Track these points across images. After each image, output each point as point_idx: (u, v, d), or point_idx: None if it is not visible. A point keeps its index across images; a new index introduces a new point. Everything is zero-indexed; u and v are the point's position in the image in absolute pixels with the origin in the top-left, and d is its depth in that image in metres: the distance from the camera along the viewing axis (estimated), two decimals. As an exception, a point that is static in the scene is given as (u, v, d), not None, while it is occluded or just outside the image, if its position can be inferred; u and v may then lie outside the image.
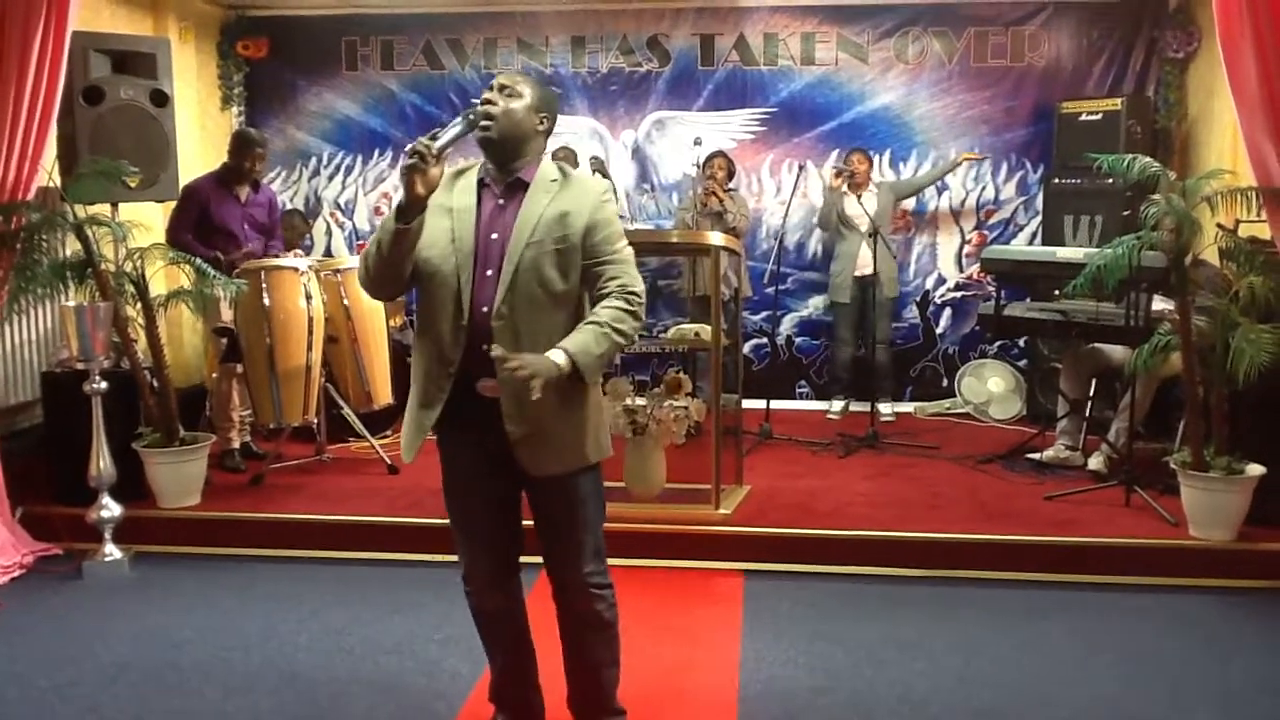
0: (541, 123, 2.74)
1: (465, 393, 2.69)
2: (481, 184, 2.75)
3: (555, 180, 2.73)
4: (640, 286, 2.70)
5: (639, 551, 4.45)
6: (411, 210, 2.56)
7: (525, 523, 2.90)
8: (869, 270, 6.59)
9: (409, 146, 2.55)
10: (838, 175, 6.72)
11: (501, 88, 2.70)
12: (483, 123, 2.65)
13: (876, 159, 7.10)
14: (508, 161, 2.72)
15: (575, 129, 7.34)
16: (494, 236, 2.68)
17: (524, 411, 2.62)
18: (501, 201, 2.71)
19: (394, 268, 2.65)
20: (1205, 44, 6.50)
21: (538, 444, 2.69)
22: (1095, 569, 4.44)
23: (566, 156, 6.71)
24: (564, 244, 2.65)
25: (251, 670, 3.62)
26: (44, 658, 3.74)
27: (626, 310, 2.64)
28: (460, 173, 2.79)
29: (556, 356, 2.53)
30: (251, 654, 3.74)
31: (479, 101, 2.70)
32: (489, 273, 2.65)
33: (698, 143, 6.64)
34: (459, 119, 2.68)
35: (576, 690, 3.02)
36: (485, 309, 2.64)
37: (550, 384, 2.51)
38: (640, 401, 4.89)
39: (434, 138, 2.57)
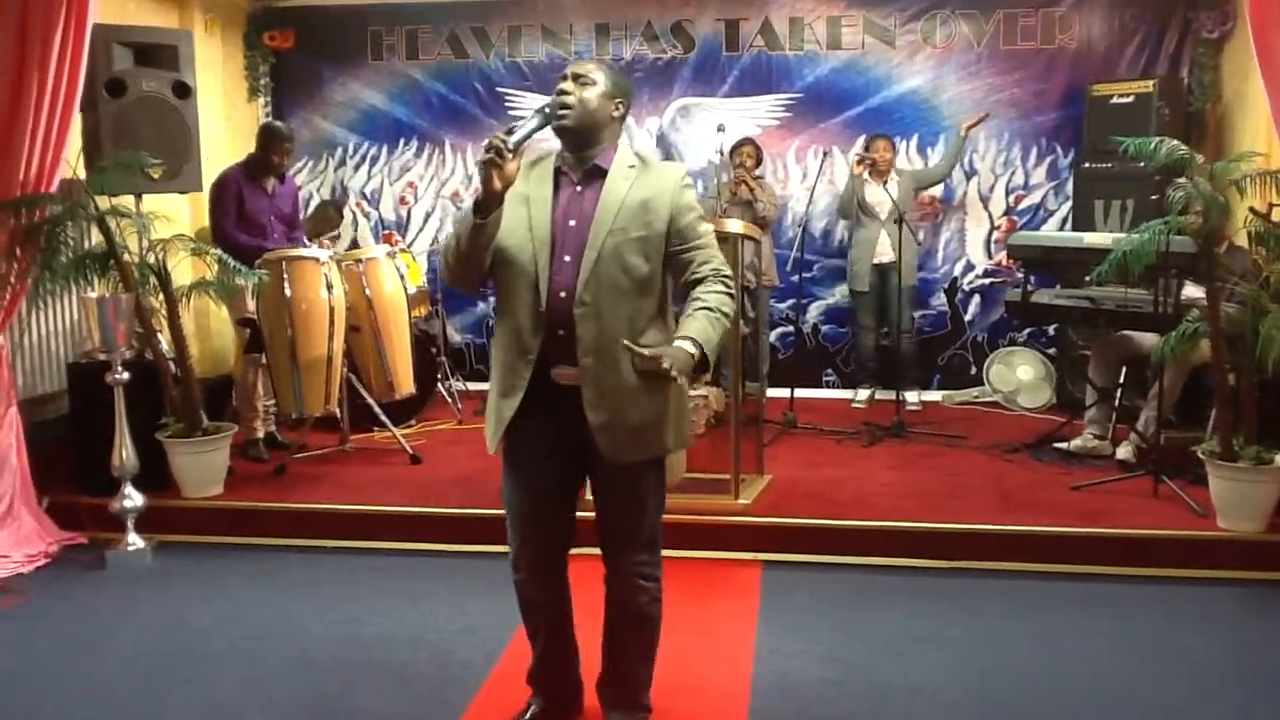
0: (617, 108, 2.76)
1: (539, 379, 2.71)
2: (559, 172, 2.77)
3: (633, 166, 2.75)
4: (729, 269, 2.75)
5: None
6: (489, 204, 2.59)
7: (581, 514, 2.94)
8: (888, 258, 6.56)
9: (485, 142, 2.56)
10: (860, 162, 6.66)
11: (576, 77, 2.72)
12: (560, 111, 2.67)
13: (903, 144, 7.04)
14: (584, 148, 2.74)
15: (600, 117, 7.30)
16: (572, 223, 2.70)
17: (605, 399, 2.66)
18: (579, 188, 2.73)
19: (474, 260, 2.68)
20: (1240, 25, 6.34)
21: (618, 431, 2.70)
22: (1120, 560, 4.35)
23: None
24: (647, 230, 2.68)
25: (267, 659, 3.64)
26: (65, 646, 3.79)
27: (728, 294, 2.69)
28: (536, 162, 2.82)
29: (686, 346, 2.55)
30: (268, 643, 3.77)
31: (554, 93, 2.72)
32: (567, 258, 2.68)
33: (721, 129, 6.59)
34: (534, 113, 2.69)
35: (608, 677, 3.04)
36: (563, 294, 2.66)
37: (629, 370, 2.61)
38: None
39: (510, 133, 2.59)
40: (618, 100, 2.75)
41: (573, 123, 2.68)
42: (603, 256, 2.65)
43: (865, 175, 6.63)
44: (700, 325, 2.60)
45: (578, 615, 3.07)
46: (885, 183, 6.62)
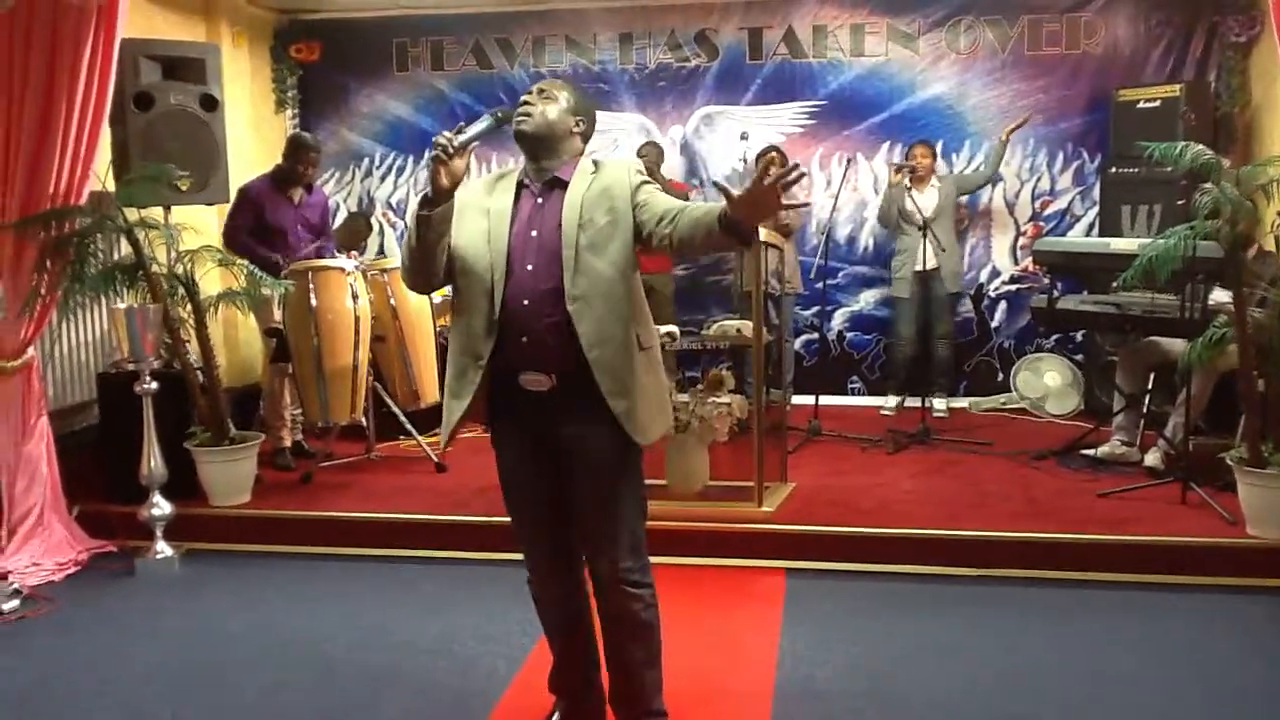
0: (578, 125, 2.82)
1: (510, 387, 2.76)
2: (521, 185, 2.82)
3: (591, 171, 2.81)
4: None
5: (680, 550, 4.42)
6: (436, 199, 2.64)
7: None
8: (931, 264, 6.52)
9: (434, 139, 2.62)
10: (898, 170, 6.63)
11: (540, 91, 2.81)
12: (518, 116, 2.75)
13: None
14: (542, 158, 2.80)
15: (623, 125, 7.35)
16: (534, 234, 2.75)
17: (620, 384, 2.71)
18: (540, 200, 2.78)
19: (425, 258, 2.73)
20: (1268, 28, 6.29)
21: (641, 413, 2.76)
22: (1148, 568, 4.31)
23: (649, 154, 6.74)
24: (613, 215, 2.72)
25: (291, 668, 3.66)
26: (92, 654, 3.83)
27: None
28: (502, 176, 2.88)
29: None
30: (292, 651, 3.79)
31: (520, 103, 2.79)
32: (529, 267, 2.72)
33: (745, 137, 6.59)
34: (486, 115, 2.78)
35: (617, 690, 3.03)
36: (526, 301, 2.70)
37: (634, 353, 2.72)
38: (683, 398, 4.87)
39: (459, 132, 2.65)
40: (579, 118, 2.82)
41: (529, 129, 2.75)
42: (580, 252, 2.70)
43: (906, 182, 6.60)
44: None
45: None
46: (927, 189, 6.59)
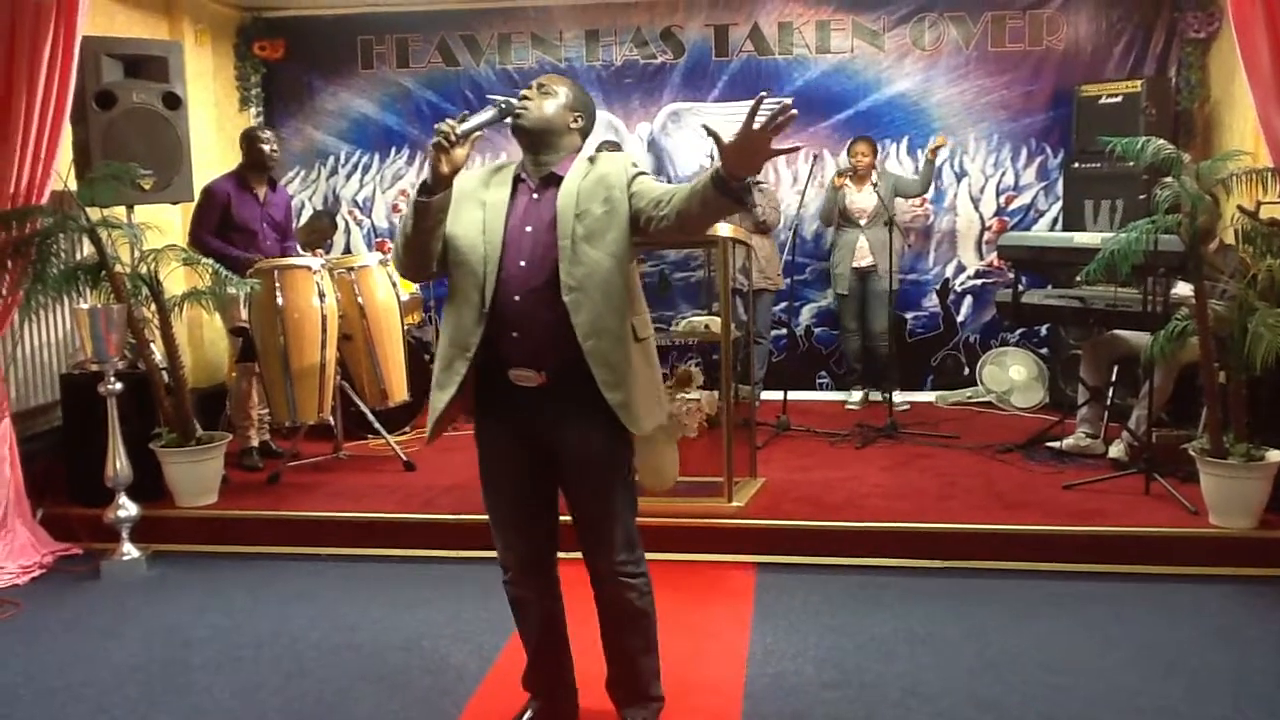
0: (575, 120, 2.82)
1: (500, 381, 2.76)
2: (518, 179, 2.82)
3: (588, 165, 2.81)
4: None
5: (651, 545, 4.28)
6: (435, 186, 2.64)
7: (563, 518, 2.97)
8: (868, 261, 6.60)
9: (436, 125, 2.62)
10: (839, 174, 6.68)
11: (539, 86, 2.81)
12: (517, 109, 2.75)
13: (893, 146, 7.09)
14: (540, 151, 2.79)
15: (590, 122, 7.33)
16: (529, 229, 2.74)
17: (616, 374, 2.71)
18: (536, 195, 2.78)
19: (420, 247, 2.73)
20: (1227, 24, 6.34)
21: (637, 404, 2.76)
22: (1113, 559, 4.36)
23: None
24: (609, 204, 2.72)
25: (261, 669, 3.64)
26: (59, 657, 3.79)
27: None
28: (499, 168, 2.87)
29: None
30: (262, 652, 3.77)
31: (517, 97, 2.79)
32: (522, 263, 2.71)
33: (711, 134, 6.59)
34: (489, 105, 2.76)
35: (614, 677, 3.06)
36: (517, 297, 2.70)
37: (629, 344, 2.72)
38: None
39: (463, 120, 2.65)
40: (577, 114, 2.82)
41: (527, 123, 2.76)
42: (577, 242, 2.69)
43: (847, 182, 6.65)
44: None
45: (577, 618, 3.09)
46: (865, 188, 6.63)
